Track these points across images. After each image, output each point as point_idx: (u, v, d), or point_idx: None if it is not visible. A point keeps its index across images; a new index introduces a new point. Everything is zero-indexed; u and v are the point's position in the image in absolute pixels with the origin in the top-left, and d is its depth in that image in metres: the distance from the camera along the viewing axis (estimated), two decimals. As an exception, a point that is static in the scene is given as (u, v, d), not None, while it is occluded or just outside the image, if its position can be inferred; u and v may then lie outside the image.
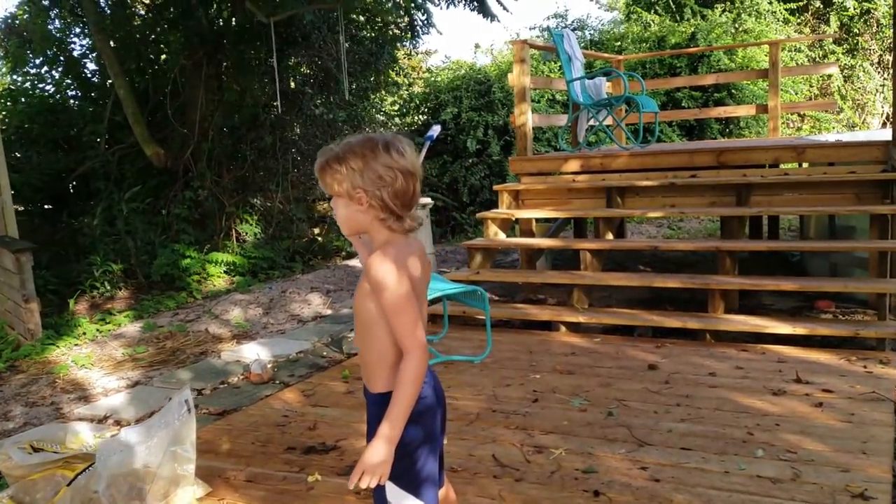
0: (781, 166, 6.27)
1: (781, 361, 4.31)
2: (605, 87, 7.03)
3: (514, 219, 6.60)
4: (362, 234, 1.93)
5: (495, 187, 6.58)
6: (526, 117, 6.59)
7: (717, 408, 3.64)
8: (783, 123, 11.86)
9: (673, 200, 5.90)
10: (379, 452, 1.78)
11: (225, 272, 8.40)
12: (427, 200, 7.70)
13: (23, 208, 9.48)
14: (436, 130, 6.29)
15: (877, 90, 12.17)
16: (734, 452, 3.12)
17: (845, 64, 12.52)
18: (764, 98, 10.63)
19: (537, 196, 6.51)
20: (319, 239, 9.81)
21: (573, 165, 6.40)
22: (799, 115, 11.82)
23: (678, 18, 12.07)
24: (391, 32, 10.04)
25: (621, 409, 3.70)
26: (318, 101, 9.31)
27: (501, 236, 6.37)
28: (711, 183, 5.76)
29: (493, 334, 4.91)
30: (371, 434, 1.96)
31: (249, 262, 8.57)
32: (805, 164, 6.52)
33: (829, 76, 12.01)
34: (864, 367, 4.18)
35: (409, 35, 9.91)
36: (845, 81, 12.30)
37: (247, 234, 9.15)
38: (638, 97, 6.51)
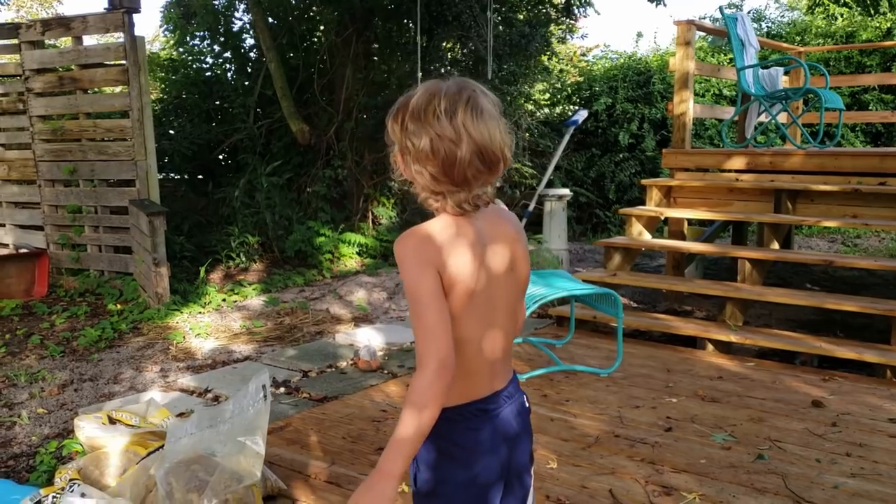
0: None
1: None
2: (781, 79, 6.21)
3: (662, 217, 5.95)
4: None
5: (643, 181, 5.95)
6: (686, 106, 5.90)
7: (900, 465, 2.93)
8: None
9: (855, 210, 5.06)
10: (365, 489, 1.33)
11: (357, 253, 8.24)
12: (565, 192, 7.17)
13: (176, 176, 9.79)
14: (582, 115, 5.78)
15: None
16: (923, 529, 2.44)
17: None
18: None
19: (692, 194, 5.82)
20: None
21: (737, 162, 5.66)
22: None
23: (872, 13, 10.74)
24: (545, 12, 9.49)
25: (774, 451, 3.06)
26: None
27: (647, 236, 5.74)
28: (907, 192, 4.88)
29: (626, 346, 4.35)
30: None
31: (381, 246, 8.37)
32: None
33: None
34: None
35: (564, 15, 9.32)
36: None
37: (382, 216, 8.97)
38: (820, 91, 5.67)
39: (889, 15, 10.46)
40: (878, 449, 3.08)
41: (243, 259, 7.74)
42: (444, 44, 9.37)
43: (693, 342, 4.74)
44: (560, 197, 7.04)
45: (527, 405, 1.60)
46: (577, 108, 10.51)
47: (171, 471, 2.47)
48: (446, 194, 1.41)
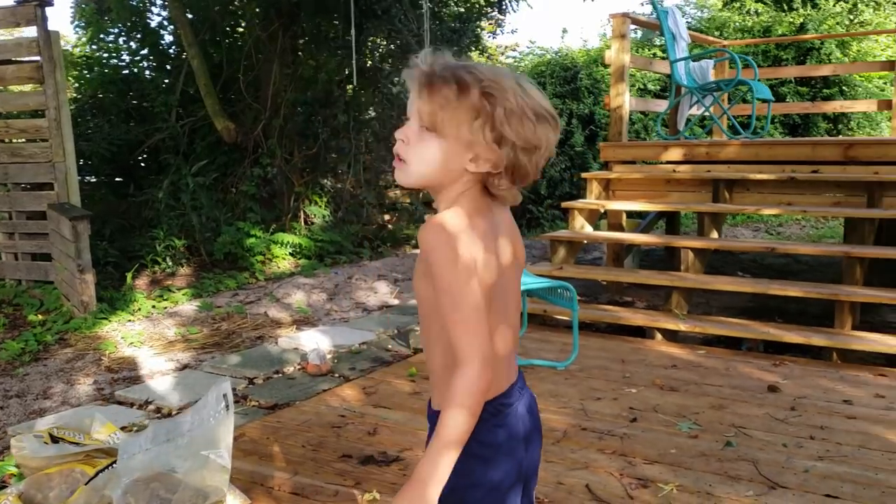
0: None
1: (932, 392, 3.60)
2: (711, 71, 6.33)
3: (602, 211, 5.98)
4: (433, 186, 1.38)
5: (584, 175, 5.97)
6: (623, 99, 5.95)
7: (862, 445, 2.98)
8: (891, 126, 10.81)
9: (790, 198, 5.19)
10: (408, 500, 1.24)
11: (290, 254, 8.02)
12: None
13: (93, 179, 9.31)
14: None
15: None
16: (897, 507, 2.48)
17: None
18: (878, 96, 9.69)
19: (630, 186, 5.87)
20: (389, 226, 9.34)
21: (674, 154, 5.74)
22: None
23: (786, 8, 11.14)
24: (476, 5, 9.44)
25: (741, 438, 3.07)
26: (396, 80, 8.81)
27: (588, 229, 5.76)
28: (837, 180, 5.03)
29: (579, 338, 4.33)
30: None
31: (316, 246, 8.17)
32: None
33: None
34: None
35: (496, 9, 9.31)
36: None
37: (315, 216, 8.75)
38: (751, 82, 5.80)
39: (801, 10, 10.87)
40: (839, 431, 3.13)
41: (170, 263, 7.42)
42: (374, 38, 9.22)
43: (641, 332, 4.76)
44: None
45: (534, 397, 1.53)
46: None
47: (129, 490, 2.28)
48: (491, 179, 1.33)
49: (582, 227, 5.69)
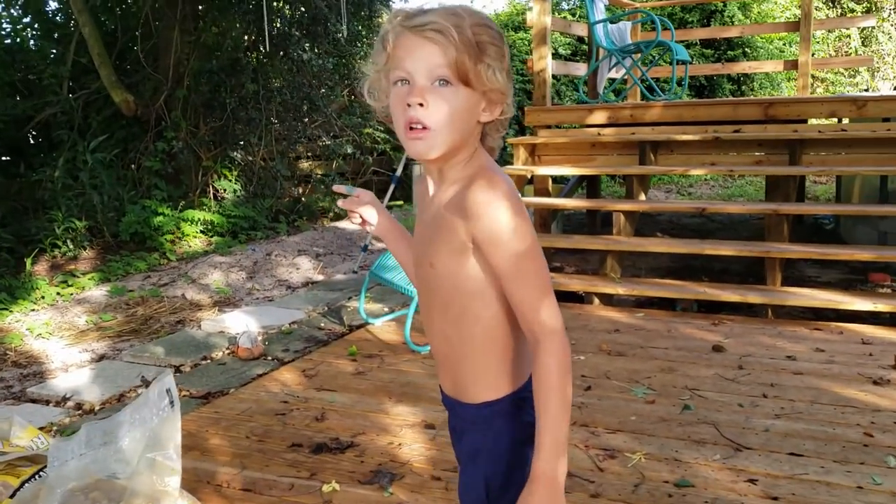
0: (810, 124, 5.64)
1: (867, 343, 3.71)
2: (629, 33, 6.32)
3: (529, 176, 5.91)
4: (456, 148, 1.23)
5: (509, 140, 5.87)
6: (546, 62, 5.86)
7: (814, 400, 3.02)
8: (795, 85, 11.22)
9: (714, 158, 5.25)
10: (547, 501, 1.11)
11: (202, 232, 7.63)
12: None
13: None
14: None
15: (894, 54, 11.55)
16: (859, 461, 2.50)
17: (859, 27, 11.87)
18: (779, 57, 10.00)
19: (556, 151, 5.82)
20: (304, 199, 9.03)
21: (599, 117, 5.71)
22: (812, 76, 11.18)
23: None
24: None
25: (697, 400, 3.06)
26: (307, 46, 8.45)
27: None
28: (759, 138, 5.11)
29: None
30: (472, 463, 1.31)
31: (229, 222, 7.80)
32: (845, 120, 5.89)
33: (848, 37, 11.38)
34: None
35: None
36: (863, 44, 11.67)
37: (225, 190, 8.35)
38: (671, 44, 5.82)
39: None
40: (790, 388, 3.16)
41: (71, 247, 6.92)
42: (279, 3, 8.80)
43: (577, 297, 4.73)
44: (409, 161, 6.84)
45: None
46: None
47: (65, 502, 2.04)
48: (496, 125, 1.25)
49: (510, 193, 5.59)
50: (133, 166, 7.99)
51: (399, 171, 6.04)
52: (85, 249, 7.01)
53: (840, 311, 4.22)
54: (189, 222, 7.52)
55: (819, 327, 4.00)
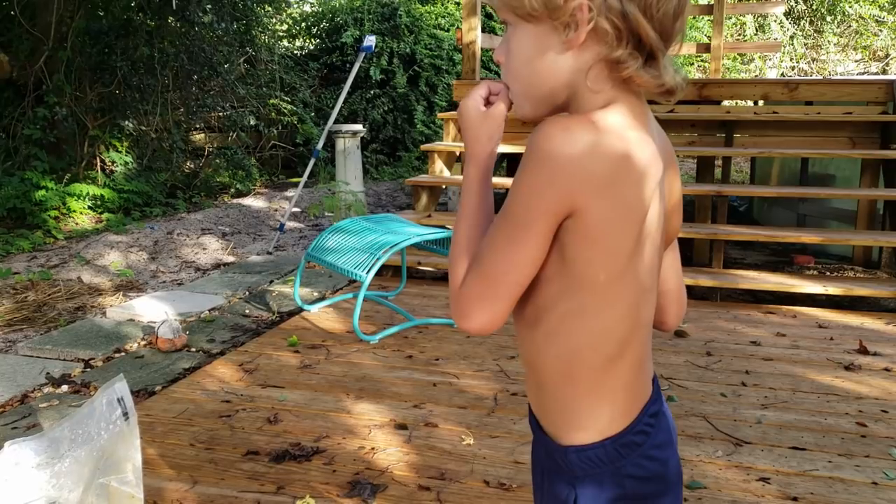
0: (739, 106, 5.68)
1: (824, 327, 3.68)
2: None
3: (458, 154, 5.66)
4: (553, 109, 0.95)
5: (440, 115, 5.59)
6: (475, 34, 5.61)
7: (795, 388, 2.93)
8: (695, 68, 11.51)
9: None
10: None
11: (90, 208, 6.96)
12: (358, 128, 6.58)
13: None
14: (371, 41, 5.25)
15: (785, 42, 12.00)
16: (864, 454, 2.40)
17: (757, 14, 12.27)
18: (692, 38, 10.16)
19: (487, 128, 5.58)
20: (201, 174, 8.41)
21: (531, 94, 5.50)
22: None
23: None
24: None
25: (677, 391, 2.91)
26: (208, 7, 7.81)
27: (446, 173, 5.42)
28: (693, 119, 5.06)
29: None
30: None
31: (120, 197, 7.15)
32: (761, 103, 5.96)
33: (744, 24, 11.74)
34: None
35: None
36: (757, 31, 12.06)
37: (115, 163, 7.64)
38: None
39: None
40: (765, 375, 3.07)
41: (-63, 224, 6.14)
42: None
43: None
44: (354, 133, 6.44)
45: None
46: (324, 43, 9.83)
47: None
48: (654, 57, 0.88)
49: (441, 171, 5.33)
50: (9, 134, 7.17)
51: (320, 145, 5.64)
52: (-46, 226, 6.23)
53: (778, 294, 4.20)
54: (76, 197, 6.83)
55: (771, 311, 3.96)
